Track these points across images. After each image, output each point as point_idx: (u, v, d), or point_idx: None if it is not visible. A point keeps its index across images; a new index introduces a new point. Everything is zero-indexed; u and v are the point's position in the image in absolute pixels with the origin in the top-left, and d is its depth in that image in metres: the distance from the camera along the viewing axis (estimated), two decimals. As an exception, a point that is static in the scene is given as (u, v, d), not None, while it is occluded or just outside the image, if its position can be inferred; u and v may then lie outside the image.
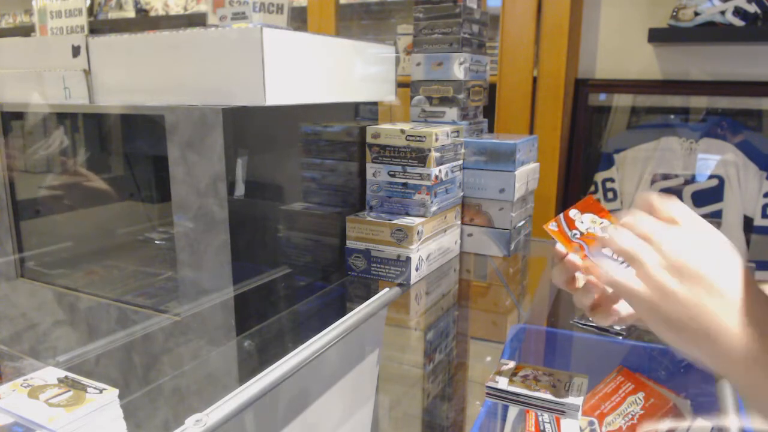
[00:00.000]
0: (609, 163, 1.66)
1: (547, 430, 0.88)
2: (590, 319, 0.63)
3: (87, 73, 1.01)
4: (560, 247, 0.62)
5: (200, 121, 0.86)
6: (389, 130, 1.01)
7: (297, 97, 0.94)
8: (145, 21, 2.79)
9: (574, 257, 0.61)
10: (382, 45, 1.20)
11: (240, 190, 0.88)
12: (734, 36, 1.46)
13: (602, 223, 0.62)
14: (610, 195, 1.66)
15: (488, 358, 1.29)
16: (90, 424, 0.56)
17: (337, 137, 1.07)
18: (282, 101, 0.89)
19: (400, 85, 1.29)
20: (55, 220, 1.30)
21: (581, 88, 1.68)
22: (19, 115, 1.22)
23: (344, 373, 0.92)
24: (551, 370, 0.77)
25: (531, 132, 1.61)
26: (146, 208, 1.25)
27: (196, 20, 2.53)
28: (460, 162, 1.11)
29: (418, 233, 0.97)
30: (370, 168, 1.04)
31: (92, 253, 1.28)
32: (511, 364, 0.77)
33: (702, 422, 0.89)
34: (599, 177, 1.67)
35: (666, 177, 1.60)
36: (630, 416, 0.90)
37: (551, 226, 0.63)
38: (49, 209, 1.28)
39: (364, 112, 1.21)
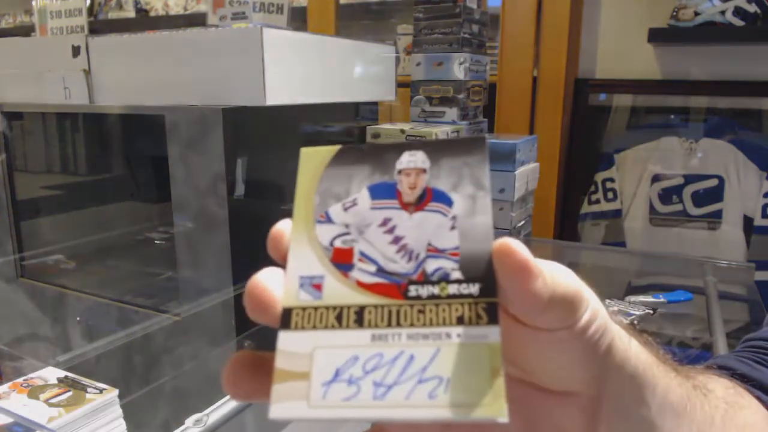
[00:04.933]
0: (609, 163, 1.66)
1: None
2: None
3: (87, 73, 1.01)
4: None
5: (200, 121, 0.86)
6: (389, 130, 1.01)
7: (297, 97, 0.94)
8: (145, 21, 2.79)
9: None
10: (382, 45, 1.20)
11: (240, 190, 0.88)
12: (734, 36, 1.46)
13: None
14: (610, 195, 1.66)
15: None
16: (90, 424, 0.57)
17: (337, 137, 1.07)
18: (282, 101, 0.89)
19: (400, 85, 1.29)
20: (54, 219, 1.30)
21: (581, 88, 1.68)
22: (19, 115, 1.22)
23: (344, 373, 0.92)
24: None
25: (531, 132, 1.61)
26: (146, 208, 1.25)
27: (196, 20, 2.53)
28: (460, 162, 1.11)
29: (418, 233, 0.96)
30: (370, 168, 1.04)
31: (92, 253, 1.28)
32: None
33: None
34: (599, 177, 1.67)
35: (666, 177, 1.60)
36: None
37: None
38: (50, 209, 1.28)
39: (364, 112, 1.21)
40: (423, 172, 0.24)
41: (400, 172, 0.24)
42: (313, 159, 0.25)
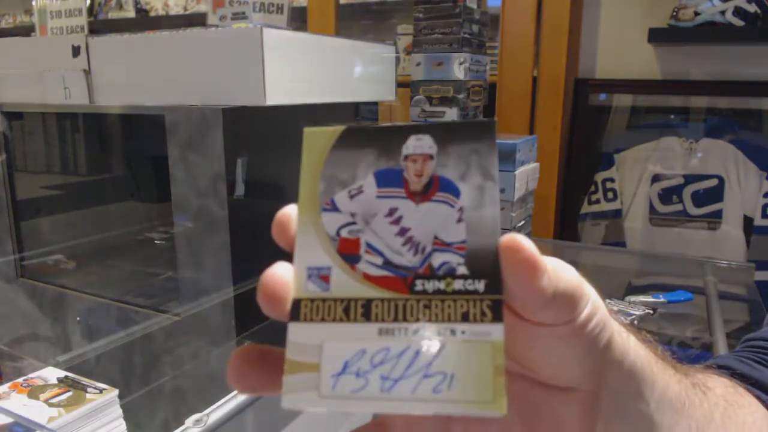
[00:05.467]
0: (609, 163, 1.66)
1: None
2: None
3: (87, 73, 1.01)
4: None
5: (200, 121, 0.86)
6: (389, 130, 1.01)
7: (297, 97, 0.94)
8: (145, 21, 2.79)
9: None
10: (382, 45, 1.20)
11: (240, 190, 0.88)
12: (734, 36, 1.46)
13: None
14: (610, 195, 1.66)
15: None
16: (90, 424, 0.57)
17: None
18: (282, 101, 0.89)
19: (400, 85, 1.29)
20: (54, 219, 1.30)
21: (581, 88, 1.68)
22: (19, 115, 1.22)
23: (344, 373, 0.92)
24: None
25: (531, 132, 1.61)
26: (146, 208, 1.25)
27: (196, 20, 2.53)
28: (460, 162, 1.11)
29: (418, 233, 0.96)
30: (370, 168, 1.04)
31: (92, 253, 1.28)
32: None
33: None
34: (599, 177, 1.67)
35: (666, 177, 1.60)
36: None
37: None
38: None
39: (364, 112, 1.21)
40: (430, 158, 0.23)
41: (406, 157, 0.23)
42: (317, 140, 0.24)
